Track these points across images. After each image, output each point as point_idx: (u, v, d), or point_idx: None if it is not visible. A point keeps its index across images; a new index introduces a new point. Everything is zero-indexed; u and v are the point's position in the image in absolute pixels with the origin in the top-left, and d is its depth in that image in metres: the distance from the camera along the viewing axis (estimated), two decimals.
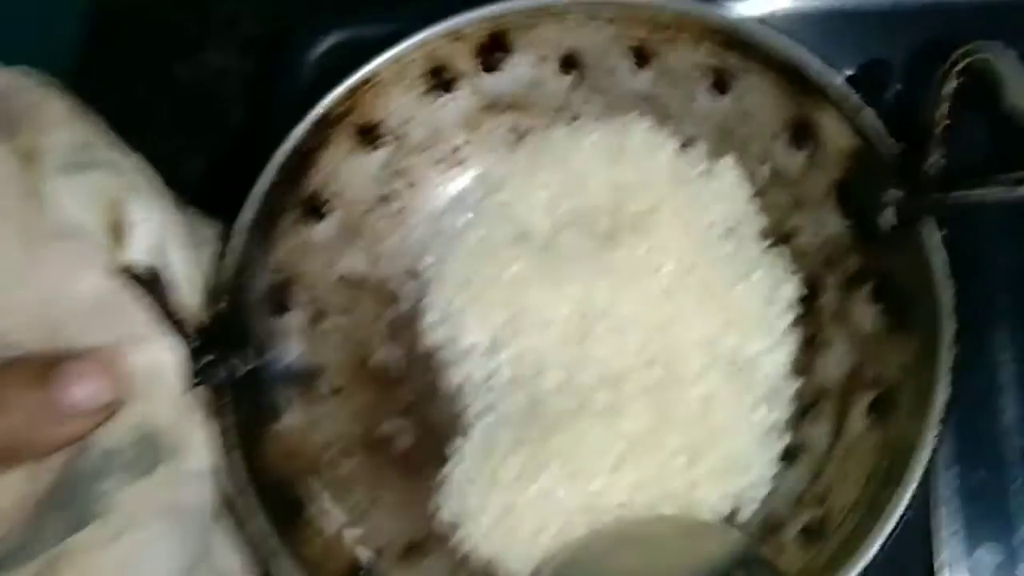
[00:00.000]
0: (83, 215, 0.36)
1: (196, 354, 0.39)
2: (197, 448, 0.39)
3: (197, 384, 0.39)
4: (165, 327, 0.37)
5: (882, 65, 0.50)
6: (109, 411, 0.35)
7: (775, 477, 0.42)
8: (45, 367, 0.34)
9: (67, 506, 0.34)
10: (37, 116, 0.37)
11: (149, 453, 0.36)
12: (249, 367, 0.42)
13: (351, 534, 0.44)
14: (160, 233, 0.39)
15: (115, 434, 0.35)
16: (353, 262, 0.49)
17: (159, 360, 0.36)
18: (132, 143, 0.40)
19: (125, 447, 0.35)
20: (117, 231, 0.37)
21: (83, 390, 0.34)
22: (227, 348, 0.41)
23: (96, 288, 0.35)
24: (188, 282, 0.40)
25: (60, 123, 0.37)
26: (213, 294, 0.42)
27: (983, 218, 0.48)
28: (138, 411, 0.36)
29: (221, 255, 0.42)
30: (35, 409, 0.34)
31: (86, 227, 0.36)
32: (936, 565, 0.43)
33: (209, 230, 0.45)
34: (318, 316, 0.47)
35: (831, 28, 0.52)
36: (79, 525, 0.34)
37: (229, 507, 0.40)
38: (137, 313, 0.36)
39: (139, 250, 0.38)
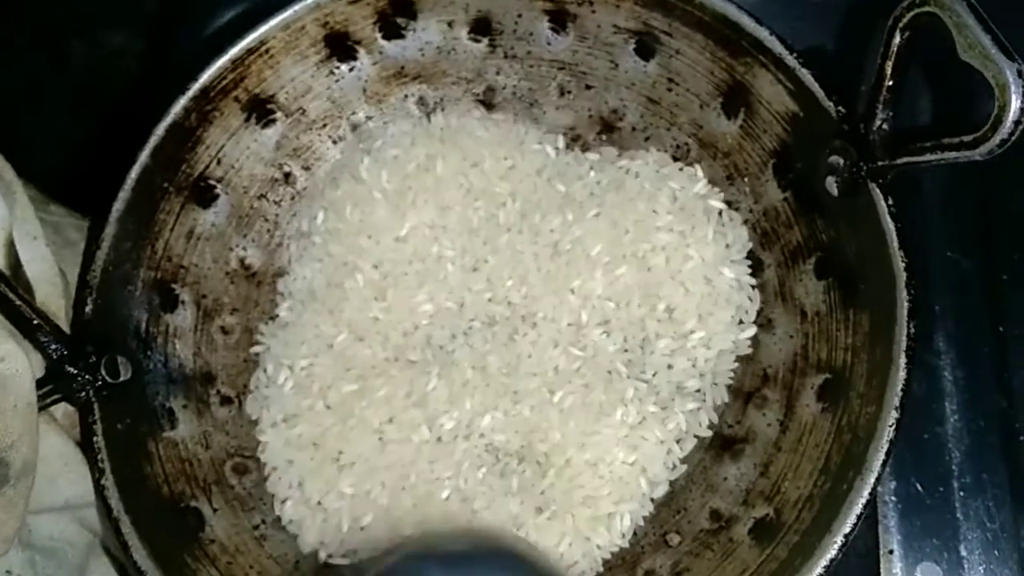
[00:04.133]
0: None
1: (58, 364, 0.34)
2: (58, 471, 0.34)
3: (59, 399, 0.34)
4: (16, 334, 0.31)
5: (815, 23, 0.47)
6: None
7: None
8: None
9: None
10: None
11: None
12: (128, 375, 0.37)
13: (259, 553, 0.39)
14: (12, 228, 0.34)
15: None
16: (245, 253, 0.44)
17: (6, 370, 0.31)
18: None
19: None
20: None
21: None
22: (99, 355, 0.35)
23: None
24: (48, 283, 0.35)
25: None
26: (81, 292, 0.36)
27: (918, 210, 0.46)
28: None
29: (92, 247, 0.37)
30: None
31: None
32: None
33: (78, 231, 0.39)
34: (208, 315, 0.42)
35: None
36: None
37: (104, 543, 0.35)
38: None
39: None
